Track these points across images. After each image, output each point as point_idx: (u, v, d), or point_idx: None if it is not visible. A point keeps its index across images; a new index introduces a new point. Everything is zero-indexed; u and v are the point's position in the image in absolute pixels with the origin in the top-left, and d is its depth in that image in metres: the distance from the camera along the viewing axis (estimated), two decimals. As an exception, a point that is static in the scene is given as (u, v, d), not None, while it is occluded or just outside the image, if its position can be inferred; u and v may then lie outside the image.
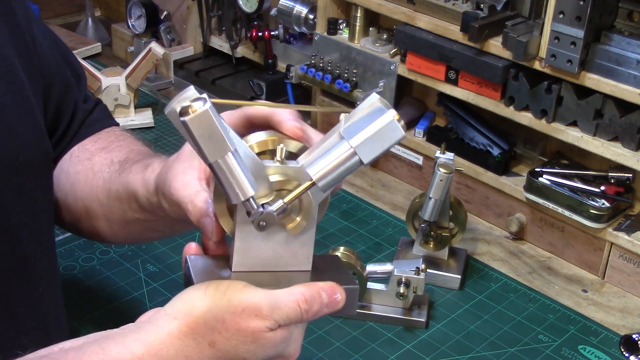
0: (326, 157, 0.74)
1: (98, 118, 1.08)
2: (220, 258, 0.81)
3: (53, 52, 1.02)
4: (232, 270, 0.79)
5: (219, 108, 0.71)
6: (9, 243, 0.89)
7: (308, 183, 0.74)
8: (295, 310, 0.75)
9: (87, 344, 0.74)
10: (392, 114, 0.72)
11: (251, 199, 0.73)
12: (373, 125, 0.72)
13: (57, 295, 1.00)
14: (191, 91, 0.69)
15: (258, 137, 0.79)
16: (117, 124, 1.11)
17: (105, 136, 1.06)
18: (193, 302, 0.74)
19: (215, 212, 0.79)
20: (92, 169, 1.01)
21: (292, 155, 0.78)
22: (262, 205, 0.74)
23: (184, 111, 0.67)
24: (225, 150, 0.69)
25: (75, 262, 1.37)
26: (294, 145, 0.79)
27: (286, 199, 0.74)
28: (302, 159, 0.76)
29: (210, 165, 0.71)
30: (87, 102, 1.08)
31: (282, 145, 0.76)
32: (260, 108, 0.82)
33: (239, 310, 0.73)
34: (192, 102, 0.68)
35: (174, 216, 0.88)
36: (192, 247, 0.82)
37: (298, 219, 0.77)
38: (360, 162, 0.73)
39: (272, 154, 0.77)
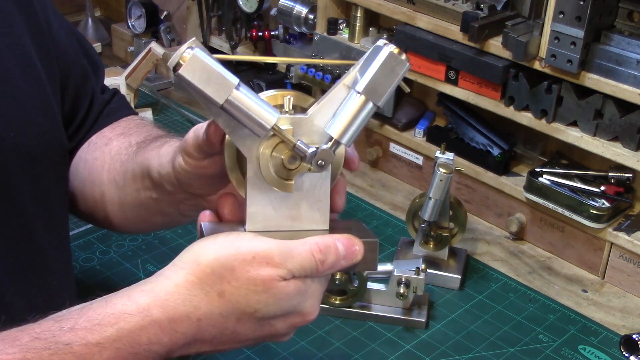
0: (341, 113, 0.73)
1: (116, 108, 1.08)
2: (235, 224, 0.79)
3: (70, 42, 1.01)
4: (247, 229, 0.77)
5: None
6: (25, 234, 0.89)
7: (332, 142, 0.73)
8: (310, 259, 0.73)
9: (92, 302, 0.73)
10: (389, 48, 0.72)
11: (277, 126, 0.71)
12: (374, 64, 0.72)
13: (71, 288, 1.00)
14: (183, 46, 0.70)
15: (268, 93, 0.78)
16: (136, 114, 1.11)
17: (124, 124, 1.06)
18: (201, 251, 0.73)
19: (232, 180, 0.78)
20: (109, 153, 1.00)
21: (302, 110, 0.77)
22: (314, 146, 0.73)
23: (176, 65, 0.69)
24: (230, 87, 0.69)
25: (75, 262, 1.36)
26: (303, 100, 0.78)
27: (334, 139, 0.73)
28: (311, 110, 0.75)
29: (223, 109, 0.70)
30: (104, 93, 1.08)
31: (289, 97, 0.75)
32: None
33: (249, 258, 0.71)
34: (182, 53, 0.69)
35: (184, 181, 0.86)
36: (206, 215, 0.81)
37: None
38: (375, 105, 0.73)
39: (282, 108, 0.76)
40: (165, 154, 0.90)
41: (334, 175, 0.78)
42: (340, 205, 0.81)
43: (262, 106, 0.71)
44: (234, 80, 0.69)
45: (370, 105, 0.73)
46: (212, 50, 2.04)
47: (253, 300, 0.71)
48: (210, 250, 0.72)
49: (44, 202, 0.92)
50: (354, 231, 0.79)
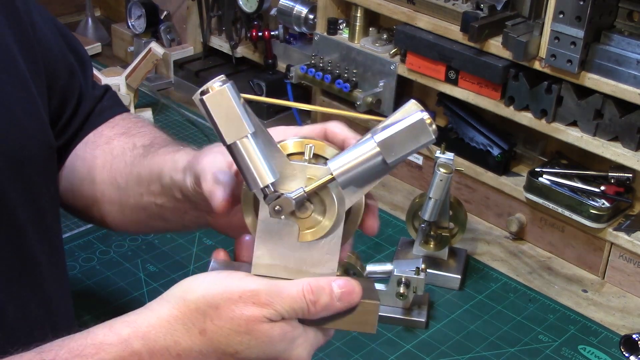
0: (350, 152, 0.72)
1: (108, 105, 1.06)
2: (245, 265, 0.77)
3: (55, 39, 0.99)
4: (252, 272, 0.74)
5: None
6: (16, 241, 0.87)
7: (328, 177, 0.71)
8: (300, 300, 0.70)
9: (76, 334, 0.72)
10: (421, 115, 0.71)
11: (270, 186, 0.69)
12: (400, 124, 0.71)
13: (66, 294, 0.99)
14: (218, 77, 0.69)
15: (296, 137, 0.76)
16: (128, 110, 1.09)
17: (122, 122, 1.05)
18: (189, 287, 0.72)
19: (246, 223, 0.76)
20: (111, 153, 0.99)
21: (324, 160, 0.75)
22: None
23: (204, 91, 0.68)
24: (243, 132, 0.68)
25: (75, 262, 1.37)
26: (330, 152, 0.76)
27: (307, 189, 0.71)
28: (330, 161, 0.73)
29: (228, 148, 0.69)
30: (95, 89, 1.06)
31: (310, 145, 0.73)
32: (340, 129, 0.78)
33: (235, 297, 0.69)
34: (213, 84, 0.69)
35: (192, 198, 0.85)
36: (220, 254, 0.79)
37: (321, 218, 0.73)
38: (384, 162, 0.71)
39: (303, 155, 0.74)
40: (180, 160, 0.88)
41: (352, 225, 0.75)
42: (374, 227, 0.77)
43: (265, 163, 0.69)
44: (250, 128, 0.68)
45: (379, 158, 0.71)
46: (212, 51, 2.04)
47: (234, 340, 0.70)
48: (199, 287, 0.71)
49: (34, 207, 0.89)
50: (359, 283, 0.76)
